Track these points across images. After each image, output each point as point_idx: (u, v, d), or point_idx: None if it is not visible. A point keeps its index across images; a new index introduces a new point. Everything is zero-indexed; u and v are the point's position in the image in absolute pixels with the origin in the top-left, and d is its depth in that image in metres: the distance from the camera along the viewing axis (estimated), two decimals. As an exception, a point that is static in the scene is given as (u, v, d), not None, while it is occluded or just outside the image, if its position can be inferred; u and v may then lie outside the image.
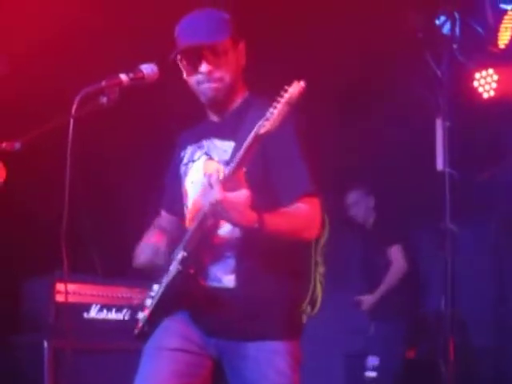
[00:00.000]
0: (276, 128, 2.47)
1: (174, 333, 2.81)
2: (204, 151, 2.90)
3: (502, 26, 5.26)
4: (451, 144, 4.88)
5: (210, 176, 2.57)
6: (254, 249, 2.73)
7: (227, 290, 2.74)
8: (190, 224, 2.82)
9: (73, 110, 2.60)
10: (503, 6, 5.27)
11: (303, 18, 5.12)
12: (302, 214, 2.70)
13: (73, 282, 4.52)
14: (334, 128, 5.76)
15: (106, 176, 5.29)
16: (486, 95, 5.49)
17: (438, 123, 4.89)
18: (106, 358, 4.45)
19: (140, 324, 2.84)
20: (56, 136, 2.63)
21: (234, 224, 2.60)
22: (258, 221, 2.55)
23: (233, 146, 2.77)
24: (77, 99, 2.61)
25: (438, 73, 5.11)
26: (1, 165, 3.37)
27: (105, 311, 4.64)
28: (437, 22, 5.25)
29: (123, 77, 2.70)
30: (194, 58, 2.80)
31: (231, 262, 2.76)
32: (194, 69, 2.81)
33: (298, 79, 2.49)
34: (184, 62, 2.86)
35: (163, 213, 3.09)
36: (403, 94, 5.38)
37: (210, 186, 2.52)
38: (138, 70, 2.76)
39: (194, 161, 2.94)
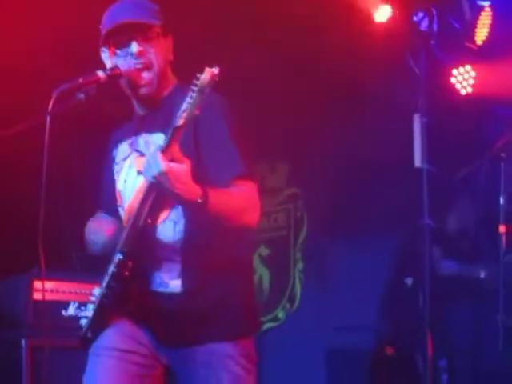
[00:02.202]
0: (193, 117, 2.42)
1: (124, 334, 2.74)
2: (134, 148, 2.84)
3: (479, 22, 5.28)
4: (429, 140, 4.92)
5: (150, 153, 2.52)
6: (199, 251, 2.69)
7: (174, 295, 2.68)
8: (125, 224, 2.76)
9: (49, 107, 2.58)
10: (480, 2, 5.30)
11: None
12: (243, 195, 2.63)
13: (50, 279, 4.50)
14: (315, 126, 5.80)
15: (82, 170, 5.27)
16: (463, 91, 5.52)
17: (416, 119, 4.91)
18: (84, 356, 4.44)
19: (83, 330, 2.77)
20: (34, 133, 2.65)
21: (179, 198, 2.49)
22: (202, 195, 2.46)
23: (162, 138, 2.64)
24: (53, 96, 2.59)
25: (416, 69, 5.14)
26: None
27: (83, 309, 4.62)
28: (414, 18, 5.24)
29: (100, 73, 2.68)
30: (123, 40, 2.74)
31: (176, 266, 2.69)
32: (121, 50, 2.75)
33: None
34: (111, 48, 2.78)
35: (99, 214, 3.01)
36: (381, 91, 5.44)
37: (152, 159, 2.44)
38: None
39: (125, 159, 2.88)
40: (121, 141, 2.92)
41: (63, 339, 4.25)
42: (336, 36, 5.15)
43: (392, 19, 5.24)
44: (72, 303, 4.62)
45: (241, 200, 2.62)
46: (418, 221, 4.94)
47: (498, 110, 5.59)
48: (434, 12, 5.24)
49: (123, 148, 2.90)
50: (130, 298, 2.69)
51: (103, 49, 2.83)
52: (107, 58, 2.82)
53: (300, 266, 6.05)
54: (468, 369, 5.12)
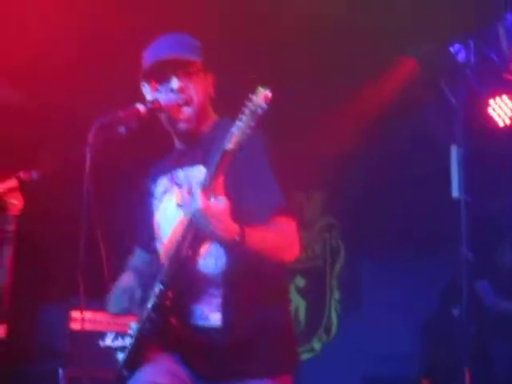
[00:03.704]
0: (244, 140, 2.39)
1: (162, 368, 2.70)
2: (175, 181, 2.82)
3: None
4: (466, 171, 4.90)
5: (188, 187, 2.52)
6: (240, 285, 2.65)
7: (214, 328, 2.64)
8: (163, 258, 2.73)
9: (89, 139, 2.58)
10: None
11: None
12: (282, 232, 2.61)
13: (88, 309, 4.51)
14: (351, 155, 5.80)
15: (118, 201, 5.32)
16: (501, 123, 5.52)
17: (453, 150, 4.89)
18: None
19: (120, 365, 2.73)
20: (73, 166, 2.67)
21: (216, 235, 2.46)
22: (240, 233, 2.44)
23: (204, 171, 2.64)
24: (93, 128, 2.59)
25: (453, 100, 5.13)
26: (18, 194, 3.41)
27: (120, 339, 4.61)
28: (451, 49, 5.23)
29: (141, 107, 2.69)
30: (164, 76, 2.75)
31: (217, 300, 2.66)
32: (162, 85, 2.76)
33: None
34: (152, 83, 2.80)
35: (137, 250, 3.00)
36: (419, 122, 5.42)
37: (190, 195, 2.44)
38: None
39: (165, 193, 2.86)
40: (160, 175, 2.91)
41: (100, 370, 4.28)
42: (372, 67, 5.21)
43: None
44: (109, 333, 4.63)
45: (280, 238, 2.60)
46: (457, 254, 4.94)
47: None
48: (471, 43, 5.23)
49: (163, 182, 2.88)
50: (168, 332, 2.65)
51: (143, 83, 2.84)
52: (148, 92, 2.83)
53: (336, 295, 6.05)
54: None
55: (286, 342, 2.75)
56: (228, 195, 2.48)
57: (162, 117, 2.80)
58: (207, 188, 2.42)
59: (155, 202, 2.89)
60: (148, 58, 2.82)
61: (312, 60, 5.21)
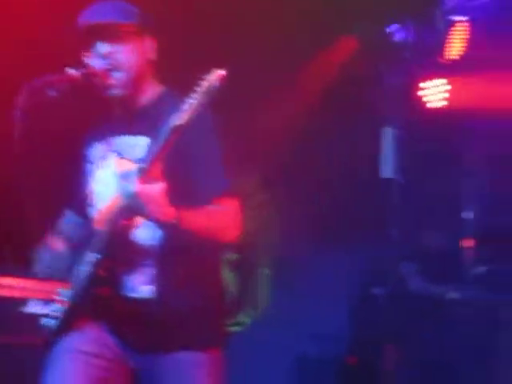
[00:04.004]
0: (194, 119, 2.39)
1: (90, 337, 2.71)
2: (114, 149, 2.80)
3: (453, 37, 5.41)
4: (398, 152, 5.00)
5: (125, 170, 2.53)
6: (174, 257, 2.68)
7: (144, 300, 2.67)
8: (98, 225, 2.72)
9: (19, 102, 2.55)
10: (455, 17, 5.41)
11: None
12: (223, 214, 2.65)
13: (9, 274, 4.46)
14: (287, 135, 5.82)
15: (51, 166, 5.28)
16: (436, 105, 5.60)
17: (386, 131, 5.00)
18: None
19: (46, 330, 2.73)
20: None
21: (152, 219, 2.51)
22: (176, 216, 2.48)
23: (148, 142, 2.66)
24: (23, 91, 2.57)
25: (389, 81, 5.22)
26: None
27: (45, 306, 4.57)
28: (389, 29, 5.37)
29: (72, 71, 2.66)
30: (93, 41, 2.71)
31: (150, 272, 2.68)
32: (93, 50, 2.72)
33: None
34: (87, 50, 2.76)
35: (68, 214, 2.98)
36: (354, 102, 5.48)
37: (126, 179, 2.46)
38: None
39: (102, 159, 2.84)
40: (96, 141, 2.88)
41: (27, 337, 4.22)
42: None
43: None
44: (34, 300, 4.56)
45: (221, 220, 2.64)
46: (387, 231, 5.03)
47: (470, 124, 5.69)
48: (410, 24, 5.39)
49: (99, 148, 2.85)
50: (99, 301, 2.65)
51: (82, 50, 2.81)
52: (84, 57, 2.77)
53: (267, 272, 6.10)
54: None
55: (216, 316, 2.80)
56: (175, 174, 2.51)
57: (97, 83, 2.73)
58: (146, 170, 2.43)
59: (91, 167, 2.86)
60: (79, 24, 2.75)
61: (259, 39, 5.18)
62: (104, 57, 2.69)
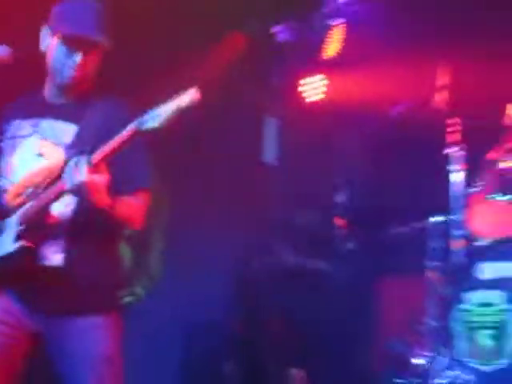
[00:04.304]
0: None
1: None
2: (37, 130, 2.86)
3: (331, 38, 5.70)
4: (280, 140, 5.25)
5: (77, 159, 2.59)
6: (83, 231, 2.77)
7: (55, 268, 2.74)
8: (13, 198, 2.80)
9: None
10: (333, 20, 5.70)
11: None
12: (137, 206, 2.83)
13: None
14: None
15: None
16: (313, 98, 5.88)
17: (269, 122, 5.25)
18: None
19: None
20: None
21: (92, 203, 2.62)
22: (111, 205, 2.65)
23: (75, 130, 2.79)
24: None
25: (273, 77, 5.47)
26: None
27: None
28: (274, 29, 5.58)
29: (3, 50, 2.81)
30: (75, 42, 2.81)
31: (61, 242, 2.75)
32: (68, 52, 2.81)
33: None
34: (59, 39, 2.83)
35: None
36: (241, 94, 5.53)
37: (77, 167, 2.55)
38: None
39: (23, 137, 2.87)
40: (18, 117, 2.93)
41: None
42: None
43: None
44: None
45: (133, 211, 2.82)
46: (267, 211, 5.32)
47: (344, 115, 5.92)
48: (292, 25, 5.63)
49: (22, 125, 2.91)
50: (13, 270, 2.73)
51: (47, 31, 2.88)
52: (47, 36, 2.88)
53: (160, 246, 6.17)
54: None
55: (116, 285, 2.94)
56: (111, 168, 2.64)
57: (50, 65, 2.86)
58: (96, 163, 2.57)
59: (9, 142, 2.91)
60: (67, 22, 2.84)
61: (153, 35, 5.18)
62: (76, 63, 2.81)
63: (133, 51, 4.92)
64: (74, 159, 2.61)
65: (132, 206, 2.82)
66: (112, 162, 2.65)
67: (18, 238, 2.69)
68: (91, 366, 2.79)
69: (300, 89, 5.85)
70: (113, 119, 2.75)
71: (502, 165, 4.33)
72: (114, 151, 2.58)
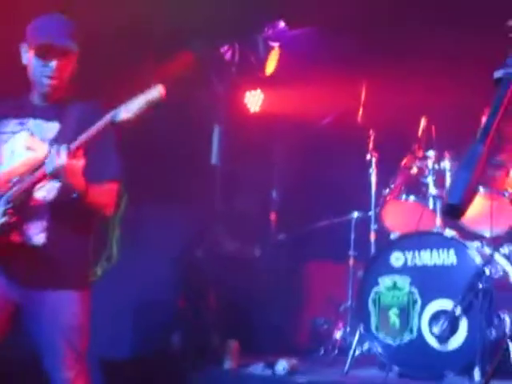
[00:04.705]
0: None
1: None
2: (26, 128, 2.84)
3: (270, 57, 5.74)
4: (224, 144, 5.26)
5: (57, 147, 2.60)
6: (63, 214, 2.75)
7: (36, 246, 2.72)
8: (3, 185, 2.75)
9: None
10: (271, 43, 5.73)
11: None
12: (109, 194, 2.82)
13: None
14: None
15: None
16: (253, 109, 5.96)
17: (216, 128, 5.26)
18: None
19: None
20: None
21: (70, 186, 2.64)
22: (85, 188, 2.64)
23: (58, 127, 2.79)
24: None
25: (219, 89, 5.48)
26: None
27: None
28: (221, 49, 5.59)
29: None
30: (48, 52, 2.79)
31: (43, 223, 2.74)
32: (44, 61, 2.80)
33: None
34: (34, 52, 2.81)
35: None
36: (191, 105, 5.52)
37: (58, 153, 2.55)
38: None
39: (14, 133, 2.86)
40: (9, 116, 2.91)
41: None
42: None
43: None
44: None
45: (105, 197, 2.81)
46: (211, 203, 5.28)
47: (276, 124, 6.04)
48: (237, 46, 5.64)
49: (11, 124, 2.89)
50: None
51: (26, 47, 2.86)
52: (25, 52, 2.86)
53: (117, 232, 6.10)
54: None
55: (87, 264, 2.93)
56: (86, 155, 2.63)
57: (31, 75, 2.84)
58: (74, 148, 2.56)
59: (2, 137, 2.87)
60: (39, 34, 2.84)
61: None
62: (52, 69, 2.79)
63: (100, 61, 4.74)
64: (55, 147, 2.61)
65: (104, 194, 2.80)
66: (89, 155, 2.66)
67: (2, 215, 2.66)
68: (63, 334, 2.78)
69: (244, 100, 5.91)
70: (90, 117, 2.71)
71: (411, 170, 4.35)
72: (90, 140, 2.59)
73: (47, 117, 2.85)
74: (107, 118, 2.58)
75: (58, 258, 2.75)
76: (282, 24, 5.67)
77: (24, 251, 2.73)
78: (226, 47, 5.62)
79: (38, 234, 2.73)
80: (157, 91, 2.56)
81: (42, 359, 2.81)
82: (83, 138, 2.60)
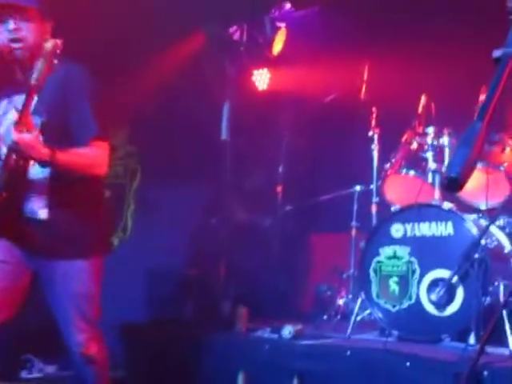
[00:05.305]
0: (43, 78, 2.50)
1: (1, 247, 2.79)
2: (13, 104, 2.80)
3: (277, 37, 5.67)
4: (234, 121, 5.23)
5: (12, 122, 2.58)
6: (61, 188, 2.74)
7: (41, 220, 2.74)
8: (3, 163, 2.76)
9: None
10: (278, 23, 5.66)
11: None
12: (92, 154, 2.73)
13: None
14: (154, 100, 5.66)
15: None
16: (261, 87, 5.88)
17: (226, 106, 5.23)
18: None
19: None
20: None
21: (32, 157, 2.60)
22: (50, 155, 2.58)
23: (35, 99, 2.68)
24: None
25: (228, 68, 5.42)
26: None
27: None
28: (230, 30, 5.55)
29: None
30: (4, 18, 2.73)
31: (44, 199, 2.74)
32: (4, 24, 2.74)
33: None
34: None
35: None
36: (202, 83, 5.55)
37: (6, 130, 2.58)
38: None
39: (5, 113, 2.85)
40: (3, 97, 2.89)
41: None
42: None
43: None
44: None
45: (88, 158, 2.73)
46: (222, 178, 5.24)
47: (282, 101, 5.98)
48: (245, 26, 5.59)
49: (2, 104, 2.88)
50: (5, 221, 2.72)
51: None
52: None
53: (132, 206, 6.09)
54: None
55: (96, 235, 2.89)
56: (56, 122, 2.64)
57: (5, 52, 2.79)
58: (19, 122, 2.53)
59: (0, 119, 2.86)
60: None
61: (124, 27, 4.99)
62: (12, 31, 2.72)
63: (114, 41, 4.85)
64: (11, 122, 2.60)
65: (88, 155, 2.73)
66: (65, 120, 2.66)
67: None
68: (73, 300, 2.81)
69: (253, 79, 5.83)
70: (65, 83, 2.69)
71: (411, 146, 4.31)
72: (26, 110, 2.55)
73: (24, 90, 2.73)
74: (28, 86, 2.54)
75: (63, 230, 2.76)
76: (288, 5, 5.60)
77: (32, 225, 2.74)
78: (234, 28, 5.56)
79: (40, 208, 2.74)
80: (51, 43, 2.55)
81: (57, 323, 2.84)
82: (22, 109, 2.56)
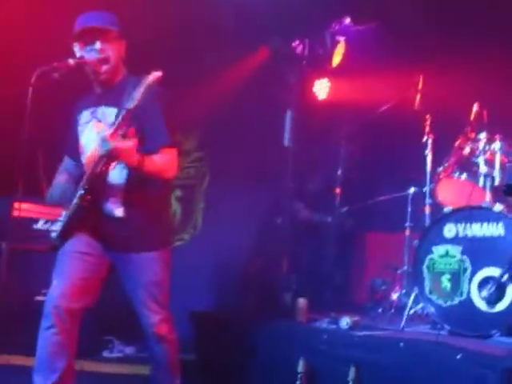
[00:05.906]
0: (140, 103, 2.60)
1: (83, 241, 2.90)
2: (94, 115, 2.92)
3: (336, 51, 5.69)
4: (295, 128, 5.26)
5: (103, 133, 2.70)
6: (136, 190, 2.85)
7: (118, 218, 2.86)
8: (86, 168, 2.87)
9: (32, 81, 2.71)
10: (338, 37, 5.69)
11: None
12: (164, 160, 2.85)
13: (26, 201, 4.29)
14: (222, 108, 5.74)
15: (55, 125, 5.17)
16: (321, 97, 5.89)
17: (288, 113, 5.27)
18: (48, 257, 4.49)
19: (53, 240, 2.90)
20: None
21: (125, 163, 2.74)
22: (140, 161, 2.71)
23: (116, 111, 2.82)
24: (35, 74, 2.73)
25: (291, 79, 5.46)
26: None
27: (48, 224, 4.50)
28: (293, 44, 5.59)
29: (71, 61, 2.83)
30: (89, 40, 2.85)
31: (120, 200, 2.86)
32: (88, 45, 2.85)
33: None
34: (81, 45, 2.88)
35: (66, 158, 3.12)
36: (266, 93, 5.63)
37: (104, 139, 2.66)
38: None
39: (87, 123, 2.95)
40: (83, 109, 3.00)
41: (32, 245, 4.29)
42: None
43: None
44: (42, 220, 4.52)
45: (164, 163, 2.86)
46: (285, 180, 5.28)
47: (341, 111, 5.96)
48: (307, 41, 5.63)
49: (85, 115, 2.98)
50: (88, 220, 2.85)
51: (75, 44, 2.93)
52: (78, 50, 2.92)
53: (201, 205, 6.17)
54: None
55: (164, 230, 3.03)
56: (138, 134, 2.74)
57: (87, 69, 2.91)
58: (116, 129, 2.65)
59: (80, 128, 3.01)
60: (78, 25, 2.88)
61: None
62: (98, 51, 2.85)
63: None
64: (101, 133, 2.71)
65: (161, 161, 2.83)
66: (142, 129, 2.74)
67: (77, 198, 2.79)
68: (146, 287, 2.91)
69: (313, 89, 5.85)
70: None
71: (464, 151, 4.25)
72: (122, 124, 2.65)
73: (107, 103, 2.90)
74: (124, 108, 2.63)
75: (136, 226, 2.88)
76: (347, 20, 5.60)
77: (110, 222, 2.87)
78: (297, 42, 5.60)
79: (117, 208, 2.87)
80: (152, 76, 2.62)
81: (134, 307, 2.95)
82: (116, 123, 2.66)
